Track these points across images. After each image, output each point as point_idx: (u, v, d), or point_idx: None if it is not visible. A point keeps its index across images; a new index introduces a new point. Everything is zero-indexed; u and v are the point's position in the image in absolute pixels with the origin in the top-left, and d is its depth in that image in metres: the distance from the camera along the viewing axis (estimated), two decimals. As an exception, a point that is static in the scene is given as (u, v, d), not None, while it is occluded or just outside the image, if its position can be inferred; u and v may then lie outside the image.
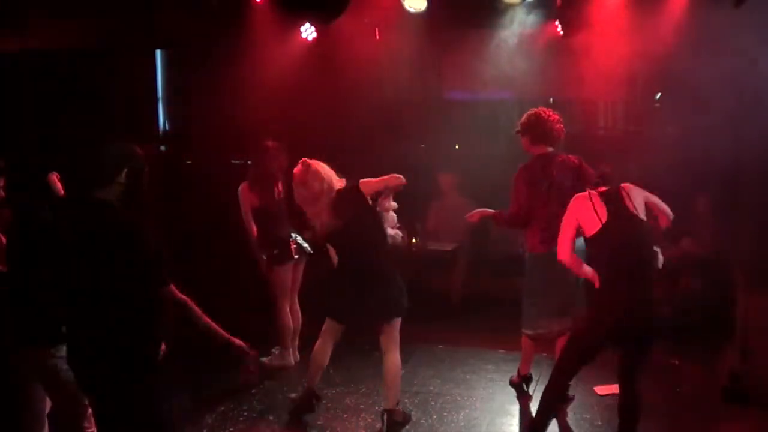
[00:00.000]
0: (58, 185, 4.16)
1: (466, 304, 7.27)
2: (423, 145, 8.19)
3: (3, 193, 4.10)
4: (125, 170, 3.13)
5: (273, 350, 5.77)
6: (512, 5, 6.51)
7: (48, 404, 3.90)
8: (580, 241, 4.07)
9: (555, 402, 4.25)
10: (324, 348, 4.77)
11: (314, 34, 7.21)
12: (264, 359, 5.74)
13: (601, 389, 5.20)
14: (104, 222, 3.07)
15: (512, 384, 5.25)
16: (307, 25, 7.16)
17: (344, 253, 4.66)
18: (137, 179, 3.17)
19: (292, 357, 5.75)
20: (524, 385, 5.22)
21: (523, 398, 5.14)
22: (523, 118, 4.92)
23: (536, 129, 4.81)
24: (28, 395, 3.85)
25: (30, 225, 3.75)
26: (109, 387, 3.08)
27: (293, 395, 5.02)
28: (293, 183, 4.57)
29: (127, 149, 3.22)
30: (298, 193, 4.57)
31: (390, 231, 4.74)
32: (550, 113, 4.85)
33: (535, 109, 4.92)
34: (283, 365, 5.70)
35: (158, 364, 3.18)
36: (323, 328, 4.78)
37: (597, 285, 3.95)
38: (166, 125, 8.64)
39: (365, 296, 4.55)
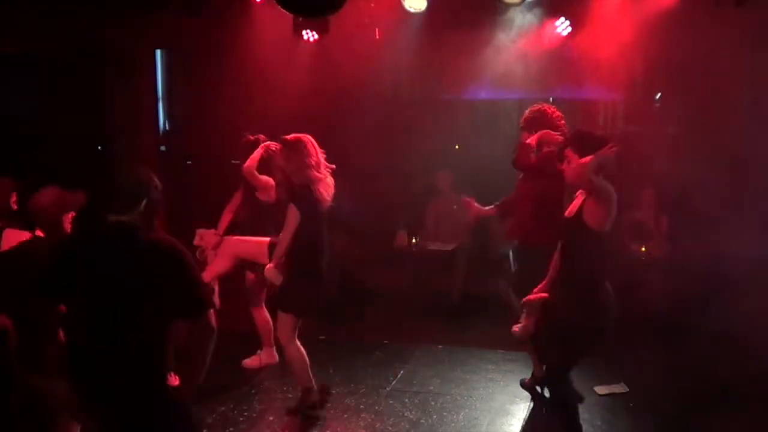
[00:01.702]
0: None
1: (466, 304, 7.27)
2: (423, 145, 8.19)
3: (15, 207, 4.12)
4: (144, 201, 3.04)
5: (258, 352, 5.75)
6: (512, 5, 6.51)
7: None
8: None
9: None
10: (296, 347, 4.80)
11: (315, 36, 7.20)
12: (248, 361, 5.68)
13: (601, 389, 5.21)
14: (136, 244, 2.96)
15: (525, 387, 5.17)
16: (308, 30, 7.16)
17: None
18: (153, 210, 3.08)
19: (276, 354, 5.76)
20: (538, 387, 5.13)
21: (528, 399, 5.14)
22: (527, 113, 4.90)
23: (541, 125, 4.81)
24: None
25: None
26: (131, 408, 2.98)
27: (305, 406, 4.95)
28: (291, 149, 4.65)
29: (148, 178, 3.12)
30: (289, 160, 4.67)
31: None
32: (554, 110, 4.85)
33: (539, 105, 4.91)
34: (271, 362, 5.69)
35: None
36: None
37: None
38: (166, 125, 8.65)
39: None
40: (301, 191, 4.64)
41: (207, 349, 3.06)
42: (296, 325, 4.74)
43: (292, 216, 4.63)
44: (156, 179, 3.15)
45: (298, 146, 4.64)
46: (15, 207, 4.28)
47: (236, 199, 5.71)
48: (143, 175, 3.13)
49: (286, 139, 4.70)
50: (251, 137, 5.53)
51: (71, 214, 3.94)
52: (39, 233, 3.82)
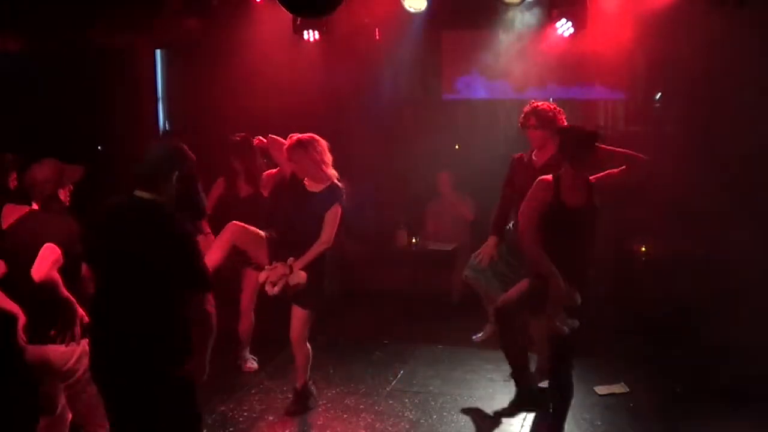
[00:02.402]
0: None
1: (466, 304, 7.26)
2: (423, 145, 8.20)
3: (16, 183, 4.10)
4: (175, 174, 3.03)
5: (252, 357, 5.72)
6: (512, 5, 6.51)
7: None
8: None
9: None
10: (307, 345, 4.86)
11: (315, 36, 7.20)
12: (247, 367, 5.66)
13: (601, 389, 5.21)
14: (151, 220, 3.00)
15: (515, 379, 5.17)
16: (308, 30, 7.15)
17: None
18: (189, 185, 3.09)
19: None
20: (546, 382, 5.10)
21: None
22: (540, 112, 4.78)
23: (556, 123, 4.74)
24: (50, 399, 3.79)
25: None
26: (143, 383, 3.03)
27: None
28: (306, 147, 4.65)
29: (178, 151, 3.10)
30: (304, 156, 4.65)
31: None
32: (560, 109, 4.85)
33: (544, 103, 4.86)
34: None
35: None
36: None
37: None
38: (166, 125, 8.64)
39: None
40: (336, 190, 4.65)
41: (207, 329, 3.09)
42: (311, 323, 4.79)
43: (336, 216, 4.63)
44: (188, 152, 3.11)
45: (314, 145, 4.63)
46: (14, 184, 4.24)
47: (217, 188, 5.71)
48: (168, 150, 3.11)
49: (301, 138, 4.64)
50: (237, 137, 5.53)
51: (69, 188, 3.93)
52: (35, 206, 3.80)
